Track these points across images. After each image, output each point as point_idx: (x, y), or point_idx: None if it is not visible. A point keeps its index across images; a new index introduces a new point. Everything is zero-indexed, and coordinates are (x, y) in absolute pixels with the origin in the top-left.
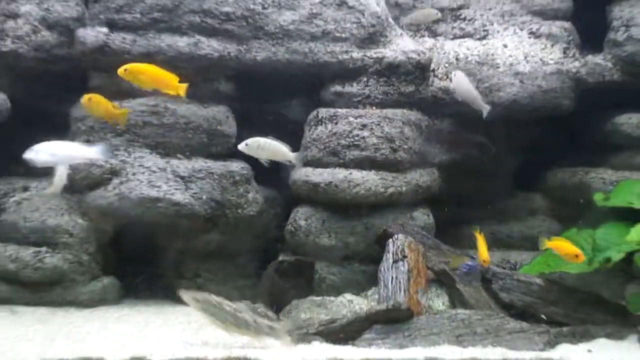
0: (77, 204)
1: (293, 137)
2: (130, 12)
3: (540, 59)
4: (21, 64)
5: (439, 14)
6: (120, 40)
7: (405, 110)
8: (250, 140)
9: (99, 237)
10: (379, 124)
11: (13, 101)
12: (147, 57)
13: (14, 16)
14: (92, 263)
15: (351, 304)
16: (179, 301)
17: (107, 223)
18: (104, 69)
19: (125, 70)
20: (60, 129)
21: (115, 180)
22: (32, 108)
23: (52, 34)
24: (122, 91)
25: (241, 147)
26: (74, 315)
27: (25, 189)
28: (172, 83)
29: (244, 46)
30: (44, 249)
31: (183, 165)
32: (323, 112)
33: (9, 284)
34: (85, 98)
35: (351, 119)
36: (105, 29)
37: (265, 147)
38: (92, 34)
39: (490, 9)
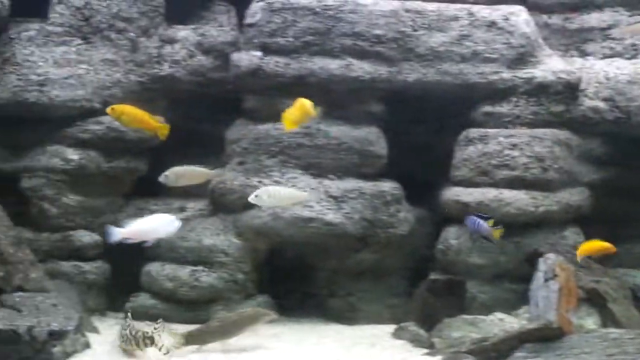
0: (232, 224)
1: (443, 157)
2: (284, 35)
3: None
4: (178, 88)
5: None
6: (273, 63)
7: (555, 130)
8: (260, 191)
9: (253, 256)
10: (529, 144)
11: (170, 123)
12: (300, 79)
13: (171, 41)
14: (247, 282)
15: (502, 323)
16: (331, 319)
17: (261, 242)
18: (258, 91)
19: (112, 109)
20: (216, 151)
21: None
22: (188, 130)
23: (208, 58)
24: (277, 113)
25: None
26: None
27: (182, 209)
28: (151, 124)
29: (395, 68)
30: (200, 268)
31: (335, 186)
32: (473, 132)
33: (166, 302)
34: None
35: (501, 139)
36: (259, 53)
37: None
38: (246, 58)
39: None
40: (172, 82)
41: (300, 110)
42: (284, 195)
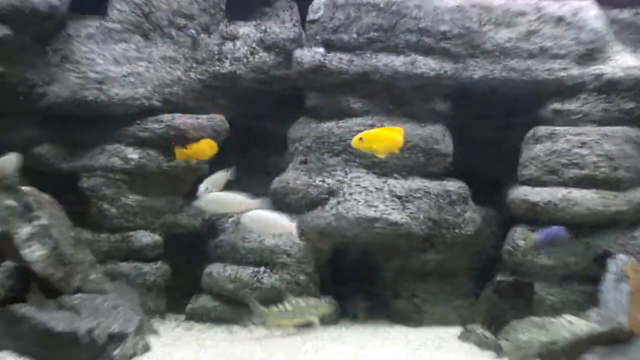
0: (295, 225)
1: (510, 156)
2: (347, 32)
3: None
4: (239, 85)
5: None
6: (337, 60)
7: (625, 127)
8: (250, 214)
9: (316, 257)
10: (598, 142)
11: (231, 121)
12: (364, 77)
13: (233, 38)
14: (310, 283)
15: (571, 325)
16: (396, 320)
17: (324, 243)
18: (321, 89)
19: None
20: (277, 149)
21: (333, 200)
22: (249, 128)
23: (270, 55)
24: (339, 111)
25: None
26: (292, 334)
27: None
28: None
29: (461, 64)
30: (262, 269)
31: (400, 185)
32: (541, 130)
33: (228, 303)
34: None
35: (570, 136)
36: (322, 50)
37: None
38: (309, 55)
39: None
40: (233, 79)
41: (391, 144)
42: (270, 222)
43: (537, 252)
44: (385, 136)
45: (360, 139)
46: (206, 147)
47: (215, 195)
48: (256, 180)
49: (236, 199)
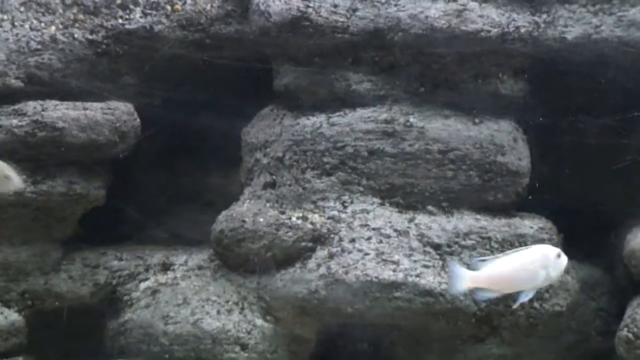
0: (255, 294)
1: (630, 175)
2: None
3: None
4: (159, 51)
5: None
6: (327, 9)
7: None
8: None
9: (292, 350)
10: None
11: (146, 114)
12: (375, 36)
13: None
14: None
15: None
16: None
17: (306, 326)
18: (301, 58)
19: None
20: (225, 162)
21: (322, 252)
22: (178, 126)
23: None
24: (333, 96)
25: None
26: None
27: (165, 266)
28: None
29: (544, 16)
30: None
31: (438, 226)
32: None
33: None
34: None
35: None
36: None
37: None
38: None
39: None
40: (148, 41)
41: None
42: None
43: None
44: None
45: None
46: None
47: None
48: (189, 214)
49: None
